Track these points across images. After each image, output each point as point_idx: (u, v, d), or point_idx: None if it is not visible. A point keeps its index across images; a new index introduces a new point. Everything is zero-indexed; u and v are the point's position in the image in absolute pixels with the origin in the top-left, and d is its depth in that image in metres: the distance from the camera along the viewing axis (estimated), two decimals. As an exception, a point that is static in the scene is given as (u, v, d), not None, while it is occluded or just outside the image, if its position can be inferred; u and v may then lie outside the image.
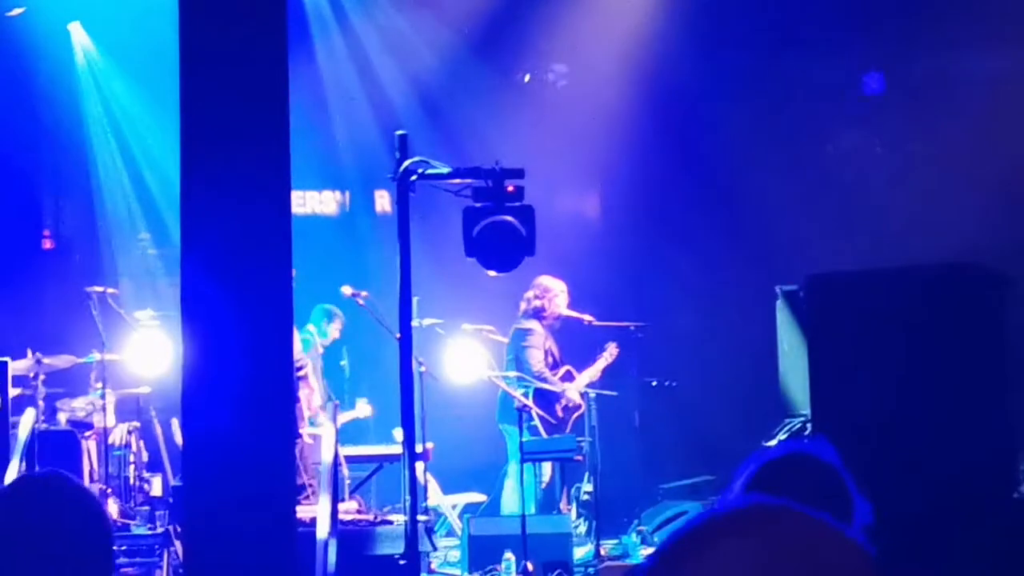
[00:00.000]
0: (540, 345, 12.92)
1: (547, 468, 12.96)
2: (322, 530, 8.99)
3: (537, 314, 13.02)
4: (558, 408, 12.93)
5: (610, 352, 13.24)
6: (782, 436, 9.23)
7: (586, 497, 13.14)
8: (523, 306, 13.10)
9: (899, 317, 6.19)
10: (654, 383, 13.65)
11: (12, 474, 9.68)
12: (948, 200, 14.05)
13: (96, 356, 12.36)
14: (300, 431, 11.59)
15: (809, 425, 8.00)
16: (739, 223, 15.01)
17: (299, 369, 11.75)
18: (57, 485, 3.06)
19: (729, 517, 1.54)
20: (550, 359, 13.02)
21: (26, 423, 10.41)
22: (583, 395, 13.11)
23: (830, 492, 3.50)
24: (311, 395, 12.26)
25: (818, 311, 6.62)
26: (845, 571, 1.52)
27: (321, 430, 11.60)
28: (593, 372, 13.19)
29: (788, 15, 15.11)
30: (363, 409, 13.59)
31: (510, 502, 12.78)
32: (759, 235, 14.80)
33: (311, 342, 13.42)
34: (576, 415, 13.05)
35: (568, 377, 13.11)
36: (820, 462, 3.52)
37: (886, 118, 15.20)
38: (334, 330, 13.59)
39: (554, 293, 13.06)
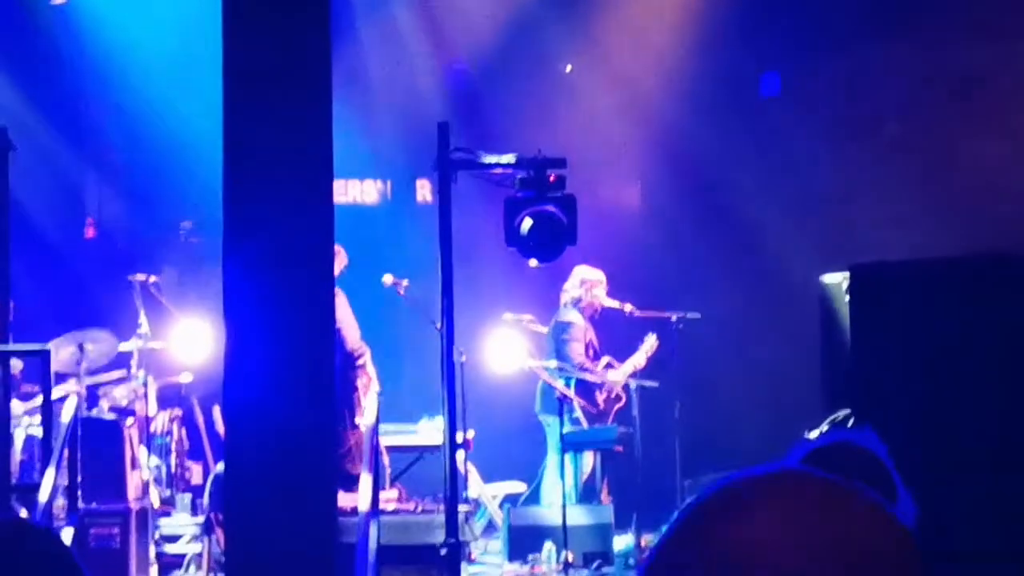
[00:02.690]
0: (581, 337, 12.90)
1: (588, 459, 12.94)
2: (364, 504, 8.96)
3: (577, 305, 13.00)
4: (599, 399, 12.91)
5: (650, 344, 13.19)
6: (825, 428, 9.19)
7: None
8: (563, 298, 13.08)
9: (947, 308, 6.13)
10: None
11: (54, 462, 9.69)
12: (1001, 190, 13.95)
13: (138, 344, 12.40)
14: (357, 421, 11.58)
15: (852, 418, 7.95)
16: (784, 213, 14.95)
17: (358, 358, 11.75)
18: (16, 532, 2.93)
19: (754, 483, 1.51)
20: (591, 351, 12.99)
21: (68, 411, 10.43)
22: (624, 386, 13.08)
23: (874, 483, 3.47)
24: (369, 383, 12.23)
25: (862, 302, 6.57)
26: (883, 546, 1.49)
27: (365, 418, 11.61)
28: (634, 363, 13.14)
29: (831, 4, 15.05)
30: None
31: (550, 493, 12.77)
32: (804, 225, 14.73)
33: None
34: (618, 407, 13.02)
35: (608, 368, 13.08)
36: (865, 452, 3.49)
37: (932, 106, 15.10)
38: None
39: (592, 283, 13.03)
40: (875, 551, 1.48)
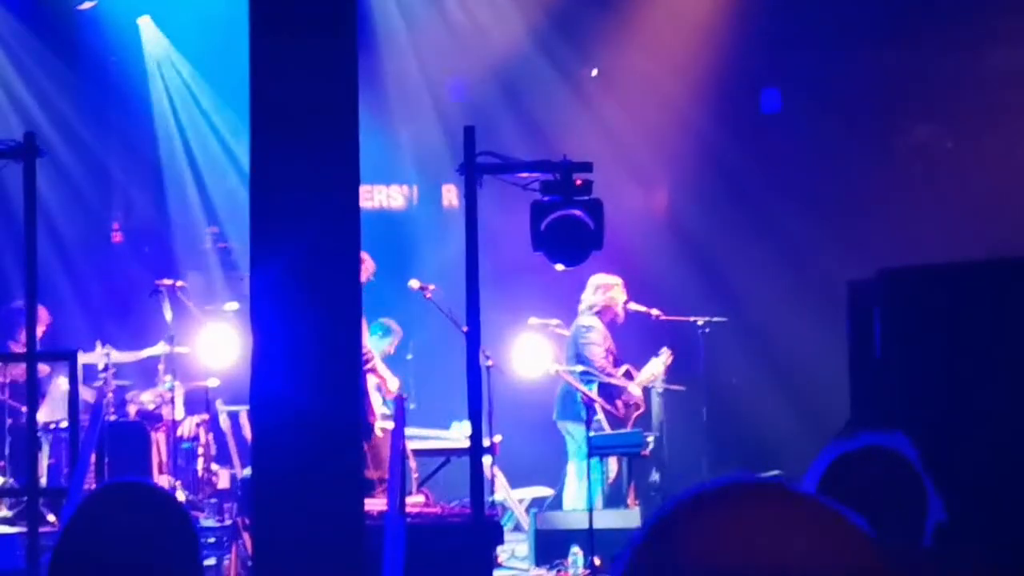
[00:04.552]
0: (601, 341, 12.87)
1: (612, 464, 12.91)
2: (392, 508, 8.96)
3: (595, 311, 12.98)
4: (619, 404, 12.87)
5: (665, 358, 13.15)
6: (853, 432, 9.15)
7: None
8: (581, 307, 13.05)
9: (977, 312, 6.10)
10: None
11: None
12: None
13: (165, 348, 12.42)
14: (372, 424, 11.58)
15: (882, 423, 7.91)
16: (809, 216, 14.92)
17: (366, 362, 11.73)
18: (144, 492, 3.05)
19: (708, 496, 1.51)
20: (610, 357, 12.97)
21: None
22: (645, 393, 13.06)
23: (905, 486, 3.46)
24: (383, 383, 12.23)
25: (892, 306, 6.54)
26: (842, 553, 1.47)
27: (388, 424, 11.61)
28: (652, 371, 13.11)
29: (856, 5, 15.02)
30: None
31: (573, 501, 12.74)
32: (830, 228, 14.70)
33: None
34: (637, 414, 12.98)
35: (627, 376, 13.06)
36: (896, 455, 3.48)
37: (959, 111, 15.08)
38: (388, 346, 13.26)
39: (608, 286, 13.01)
40: (834, 559, 1.46)
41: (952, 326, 6.14)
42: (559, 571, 11.68)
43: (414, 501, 11.38)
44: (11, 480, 11.49)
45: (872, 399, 8.47)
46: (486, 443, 10.45)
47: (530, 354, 12.89)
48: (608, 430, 12.70)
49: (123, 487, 3.12)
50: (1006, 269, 6.40)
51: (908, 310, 6.42)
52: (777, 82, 15.45)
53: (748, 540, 1.44)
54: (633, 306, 13.04)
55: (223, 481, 12.58)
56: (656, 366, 13.12)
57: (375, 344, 13.14)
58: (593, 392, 12.62)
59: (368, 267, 11.68)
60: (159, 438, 12.01)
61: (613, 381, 12.78)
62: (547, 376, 12.88)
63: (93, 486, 10.10)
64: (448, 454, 12.63)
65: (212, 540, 11.75)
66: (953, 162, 15.12)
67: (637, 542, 1.51)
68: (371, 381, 11.87)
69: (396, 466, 9.45)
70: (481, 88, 15.74)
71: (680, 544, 1.47)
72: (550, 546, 11.88)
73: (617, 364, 12.98)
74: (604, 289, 13.00)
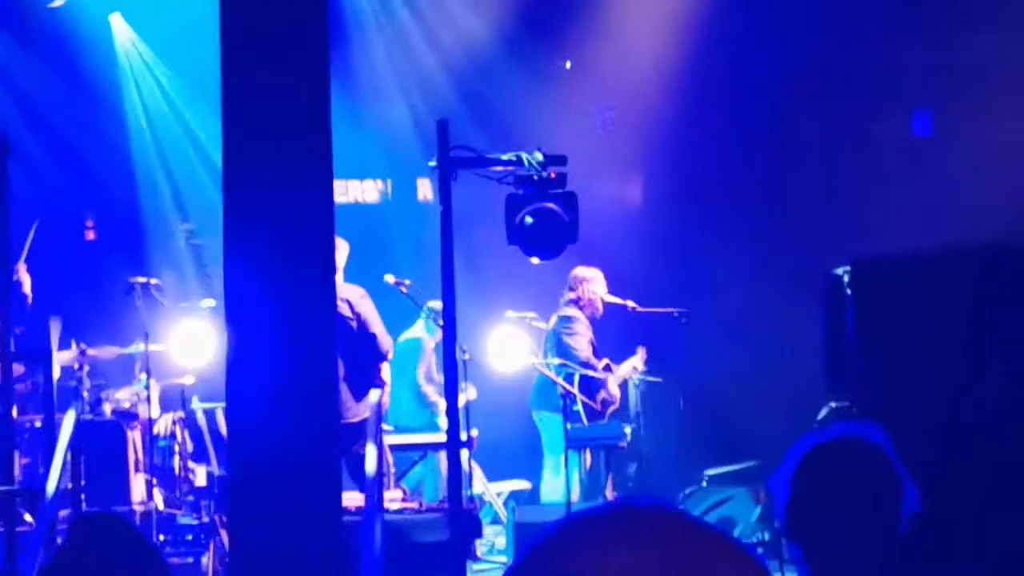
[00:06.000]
0: (584, 332, 12.88)
1: (587, 454, 12.93)
2: (368, 504, 8.97)
3: (577, 304, 12.98)
4: (598, 398, 12.87)
5: (640, 357, 13.15)
6: (825, 415, 9.17)
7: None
8: (563, 299, 13.05)
9: (949, 301, 6.12)
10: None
11: (56, 471, 9.63)
12: (995, 184, 13.93)
13: (140, 346, 12.37)
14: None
15: (855, 412, 7.93)
16: (784, 208, 14.94)
17: (386, 355, 11.81)
18: (114, 526, 3.06)
19: (596, 520, 1.48)
20: (591, 348, 12.97)
21: (67, 425, 10.23)
22: (622, 386, 13.06)
23: (880, 476, 3.47)
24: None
25: (864, 296, 6.56)
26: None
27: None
28: (632, 365, 13.12)
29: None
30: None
31: (550, 493, 12.75)
32: (804, 220, 14.72)
33: (422, 342, 13.48)
34: (611, 409, 12.98)
35: (607, 370, 13.06)
36: (870, 446, 3.49)
37: (933, 101, 15.09)
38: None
39: (589, 280, 13.01)
40: None
41: (924, 315, 6.16)
42: (537, 563, 11.67)
43: (391, 496, 11.39)
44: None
45: (845, 387, 8.49)
46: (463, 437, 10.45)
47: (507, 347, 12.89)
48: (586, 423, 12.71)
49: (97, 520, 3.13)
50: (976, 257, 6.42)
51: (881, 299, 6.45)
52: (750, 72, 15.44)
53: (630, 564, 1.42)
54: (609, 298, 13.05)
55: (200, 479, 12.54)
56: (638, 361, 13.13)
57: (431, 331, 13.27)
58: (573, 385, 12.61)
59: (342, 251, 11.66)
60: (135, 436, 11.96)
61: (593, 374, 12.77)
62: (524, 369, 12.89)
63: (69, 485, 10.07)
64: (425, 448, 12.64)
65: (190, 537, 11.73)
66: (928, 153, 15.13)
67: (519, 561, 1.49)
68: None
69: (376, 462, 9.44)
70: (454, 80, 15.73)
71: (561, 566, 1.45)
72: (528, 539, 11.84)
73: (597, 357, 12.98)
74: (586, 282, 12.99)
